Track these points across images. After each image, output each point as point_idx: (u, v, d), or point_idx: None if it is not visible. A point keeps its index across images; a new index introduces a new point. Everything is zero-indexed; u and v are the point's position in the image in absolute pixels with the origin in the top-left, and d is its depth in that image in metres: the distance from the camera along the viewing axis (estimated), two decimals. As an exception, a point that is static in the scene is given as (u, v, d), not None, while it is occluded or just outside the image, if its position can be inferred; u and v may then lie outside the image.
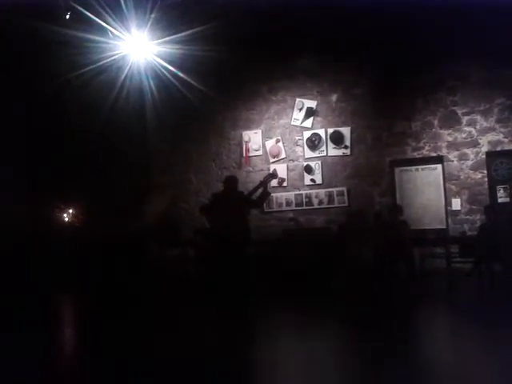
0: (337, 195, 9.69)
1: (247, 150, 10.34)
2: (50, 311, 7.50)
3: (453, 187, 9.03)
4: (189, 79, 9.36)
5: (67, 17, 7.96)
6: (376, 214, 8.80)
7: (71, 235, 10.40)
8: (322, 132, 9.85)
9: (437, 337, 5.25)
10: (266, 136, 10.26)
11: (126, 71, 9.17)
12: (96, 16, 7.78)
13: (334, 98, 9.85)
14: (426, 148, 9.23)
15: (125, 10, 7.78)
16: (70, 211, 10.84)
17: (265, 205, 9.50)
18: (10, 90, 9.54)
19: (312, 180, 9.87)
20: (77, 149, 10.26)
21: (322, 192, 9.80)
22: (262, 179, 7.98)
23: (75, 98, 9.62)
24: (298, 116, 10.04)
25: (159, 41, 8.64)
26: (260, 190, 7.67)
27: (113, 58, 8.77)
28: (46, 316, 6.93)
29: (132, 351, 4.84)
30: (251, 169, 10.29)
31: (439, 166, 9.17)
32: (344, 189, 9.65)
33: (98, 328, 6.00)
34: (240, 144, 10.41)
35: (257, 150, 10.30)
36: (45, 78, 9.25)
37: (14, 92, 9.58)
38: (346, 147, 9.69)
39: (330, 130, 9.79)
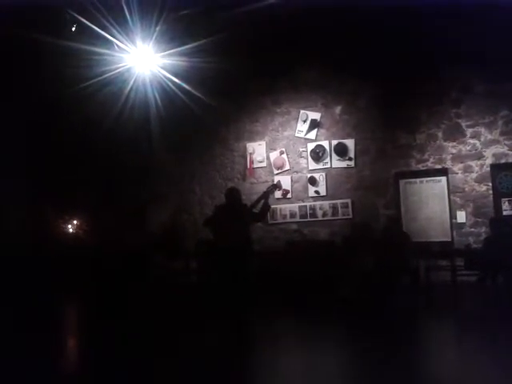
0: (341, 207, 9.67)
1: (251, 162, 10.35)
2: (53, 319, 7.51)
3: (457, 200, 9.00)
4: (193, 91, 9.40)
5: (73, 29, 8.03)
6: (384, 227, 8.76)
7: (74, 245, 10.41)
8: (326, 144, 9.85)
9: (440, 350, 5.21)
10: (270, 148, 10.28)
11: (131, 83, 9.22)
12: (101, 29, 7.85)
13: (338, 110, 9.86)
14: (431, 160, 9.21)
15: (130, 23, 7.84)
16: (74, 221, 10.87)
17: (269, 216, 9.48)
18: (15, 102, 9.62)
19: (316, 192, 9.86)
20: (81, 160, 10.32)
21: (326, 204, 9.78)
22: (265, 190, 7.98)
23: (80, 110, 9.68)
24: (302, 128, 10.06)
25: (164, 53, 8.70)
26: (261, 203, 7.65)
27: (118, 70, 8.82)
28: (48, 324, 6.95)
29: (131, 360, 4.84)
30: (255, 180, 10.29)
31: (444, 179, 9.15)
32: (348, 201, 9.63)
33: (98, 335, 6.01)
34: (244, 155, 10.43)
35: (261, 162, 10.31)
36: (50, 89, 9.32)
37: (19, 104, 9.66)
38: (350, 159, 9.69)
39: (334, 142, 9.79)
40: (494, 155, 8.85)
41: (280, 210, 9.99)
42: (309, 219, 9.87)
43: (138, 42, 8.32)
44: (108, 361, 4.85)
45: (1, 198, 9.64)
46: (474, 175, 8.94)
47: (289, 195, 10.03)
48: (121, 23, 7.88)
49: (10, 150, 9.90)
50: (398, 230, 8.22)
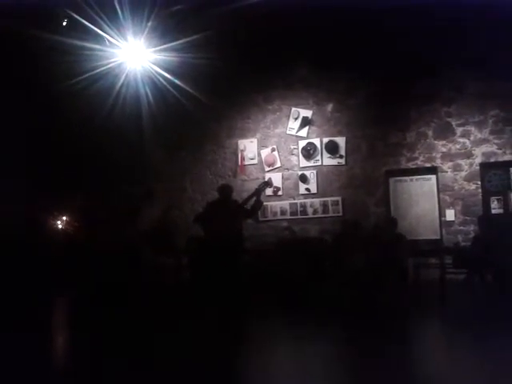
0: (331, 205, 9.70)
1: (242, 159, 10.35)
2: (43, 316, 7.48)
3: (447, 198, 9.05)
4: (185, 87, 9.39)
5: (64, 24, 7.99)
6: (374, 225, 8.79)
7: (65, 242, 10.37)
8: (317, 141, 9.87)
9: (427, 348, 5.25)
10: (261, 145, 10.28)
11: (122, 79, 9.19)
12: (93, 24, 7.82)
13: (329, 107, 9.88)
14: (421, 158, 9.26)
15: (121, 18, 7.82)
16: (65, 218, 10.82)
17: (259, 213, 9.50)
18: (7, 97, 9.55)
19: (307, 189, 9.88)
20: (72, 156, 10.27)
21: (316, 201, 9.81)
22: (256, 187, 8.01)
23: (72, 106, 9.63)
24: (293, 125, 10.07)
25: (156, 48, 8.69)
26: (253, 200, 7.67)
27: (109, 65, 8.80)
28: (40, 320, 6.93)
29: (124, 357, 4.84)
30: (246, 177, 10.29)
31: (433, 177, 9.20)
32: (339, 198, 9.66)
33: (90, 331, 6.01)
34: (235, 152, 10.43)
35: (252, 159, 10.31)
36: (41, 85, 9.27)
37: (11, 99, 9.59)
38: (340, 157, 9.72)
39: (325, 140, 9.81)
40: (483, 154, 8.91)
41: (270, 207, 10.00)
42: (299, 216, 9.89)
43: (130, 37, 8.31)
44: (101, 359, 4.85)
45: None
46: (463, 174, 9.00)
47: (279, 192, 10.04)
48: (112, 18, 7.85)
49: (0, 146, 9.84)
50: (393, 232, 8.23)
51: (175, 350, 5.13)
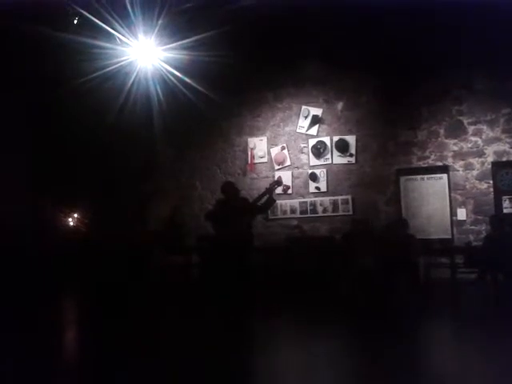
0: (341, 203, 9.67)
1: (252, 157, 10.34)
2: (50, 314, 7.52)
3: (458, 197, 8.99)
4: (195, 85, 9.38)
5: (75, 23, 8.01)
6: (385, 226, 8.74)
7: (75, 239, 10.42)
8: (327, 140, 9.84)
9: (438, 348, 5.23)
10: (271, 143, 10.27)
11: (133, 77, 9.20)
12: (103, 22, 7.82)
13: (339, 106, 9.84)
14: (432, 157, 9.20)
15: (132, 17, 7.82)
16: (75, 215, 10.88)
17: (269, 212, 9.49)
18: (17, 95, 9.61)
19: (317, 188, 9.86)
20: (82, 154, 10.32)
21: (326, 200, 9.78)
22: (267, 186, 8.00)
23: (82, 104, 9.67)
24: (303, 123, 10.04)
25: (166, 47, 8.66)
26: (265, 198, 7.67)
27: (120, 63, 8.80)
28: (46, 319, 6.97)
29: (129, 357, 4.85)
30: (256, 176, 10.29)
31: (445, 176, 9.14)
32: (349, 197, 9.63)
33: (97, 331, 6.04)
34: (245, 150, 10.42)
35: (262, 157, 10.30)
36: (52, 83, 9.31)
37: (21, 97, 9.65)
38: (351, 155, 9.68)
39: (336, 138, 9.78)
40: (495, 153, 8.84)
41: (280, 205, 9.97)
42: (309, 215, 9.87)
43: (140, 35, 8.29)
44: (107, 358, 4.87)
45: (1, 192, 9.65)
46: (475, 173, 8.94)
47: (289, 191, 10.02)
48: (123, 16, 7.85)
49: (11, 143, 9.90)
50: (404, 232, 8.20)
51: (184, 349, 5.14)
